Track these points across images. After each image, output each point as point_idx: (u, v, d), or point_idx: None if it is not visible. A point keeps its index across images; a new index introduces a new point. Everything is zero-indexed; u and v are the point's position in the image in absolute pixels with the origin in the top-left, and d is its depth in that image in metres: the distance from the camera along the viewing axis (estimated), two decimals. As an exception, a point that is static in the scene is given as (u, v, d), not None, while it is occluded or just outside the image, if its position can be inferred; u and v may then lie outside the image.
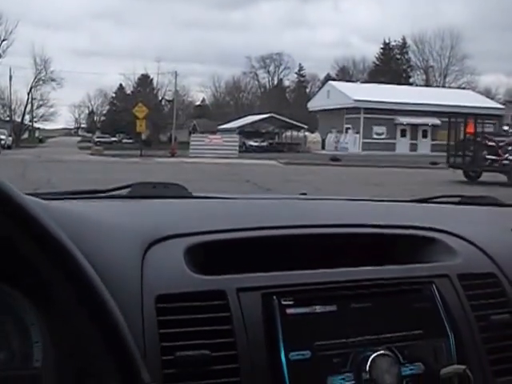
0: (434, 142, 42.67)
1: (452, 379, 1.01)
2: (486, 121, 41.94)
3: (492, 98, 53.17)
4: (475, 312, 1.10)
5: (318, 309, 1.00)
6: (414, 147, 42.66)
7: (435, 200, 1.69)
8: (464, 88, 58.00)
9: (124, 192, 1.50)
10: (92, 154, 35.48)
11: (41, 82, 62.17)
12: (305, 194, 1.85)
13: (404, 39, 69.18)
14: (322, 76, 73.63)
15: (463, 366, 1.00)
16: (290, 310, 0.98)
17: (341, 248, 1.19)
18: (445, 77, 65.71)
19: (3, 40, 58.65)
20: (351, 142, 42.04)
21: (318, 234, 1.21)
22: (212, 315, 0.94)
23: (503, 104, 49.98)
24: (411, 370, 1.00)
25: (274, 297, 0.98)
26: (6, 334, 0.88)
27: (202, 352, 0.89)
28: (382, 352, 0.97)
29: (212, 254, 1.08)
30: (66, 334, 0.75)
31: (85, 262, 0.70)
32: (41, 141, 68.11)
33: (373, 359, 0.96)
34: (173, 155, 32.16)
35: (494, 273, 1.18)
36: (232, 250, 1.11)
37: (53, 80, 61.88)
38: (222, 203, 1.48)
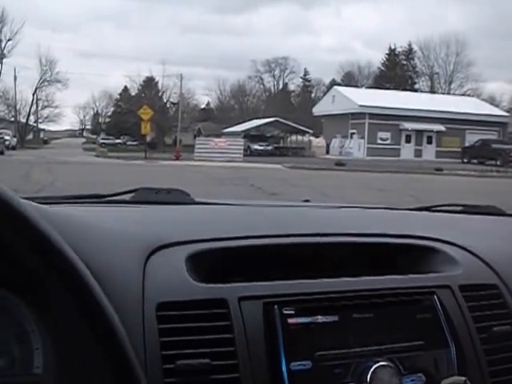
0: (438, 149, 42.68)
1: None
2: (490, 128, 42.22)
3: (496, 106, 53.10)
4: (477, 323, 1.09)
5: (320, 319, 0.99)
6: (418, 153, 42.60)
7: (437, 208, 1.68)
8: (469, 95, 57.97)
9: (127, 197, 1.50)
10: (97, 156, 35.54)
11: (46, 83, 62.47)
12: (308, 200, 1.86)
13: (410, 45, 69.26)
14: (327, 81, 73.79)
15: (464, 378, 0.99)
16: (291, 320, 0.97)
17: (342, 257, 1.19)
18: (450, 83, 65.75)
19: (8, 40, 59.01)
20: (356, 147, 42.01)
21: (320, 243, 1.20)
22: (213, 324, 0.93)
23: (507, 111, 49.91)
24: (412, 380, 1.00)
25: (276, 306, 0.98)
26: (5, 340, 0.88)
27: (202, 361, 0.89)
28: (383, 363, 0.97)
29: (213, 262, 1.08)
30: (66, 342, 0.75)
31: (84, 269, 0.69)
32: (45, 142, 68.37)
33: (374, 370, 0.96)
34: (177, 158, 32.16)
35: (496, 284, 1.18)
36: (233, 258, 1.11)
37: (58, 81, 62.15)
38: (223, 210, 1.47)
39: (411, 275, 1.14)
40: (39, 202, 1.17)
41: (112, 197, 1.50)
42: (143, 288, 0.93)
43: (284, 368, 0.93)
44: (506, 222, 1.67)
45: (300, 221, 1.36)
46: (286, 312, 0.98)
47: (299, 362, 0.95)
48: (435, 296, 1.09)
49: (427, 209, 1.67)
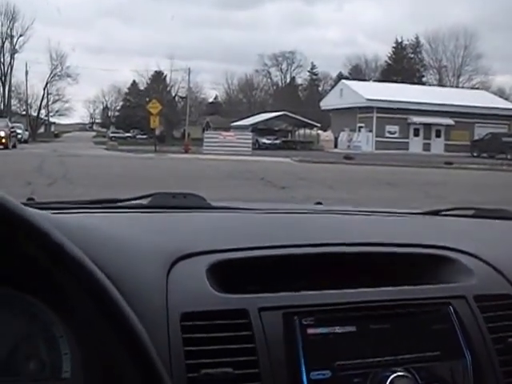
0: (447, 142, 42.54)
1: None
2: (500, 121, 42.02)
3: (506, 99, 52.83)
4: (492, 334, 1.11)
5: (338, 329, 1.02)
6: (427, 147, 42.43)
7: (448, 213, 1.68)
8: (477, 88, 57.67)
9: (144, 201, 1.51)
10: (107, 149, 35.57)
11: (56, 78, 62.70)
12: (320, 203, 1.90)
13: (417, 38, 68.92)
14: (334, 74, 73.58)
15: None
16: (310, 330, 1.00)
17: (358, 267, 1.21)
18: (458, 77, 65.38)
19: (20, 36, 59.37)
20: (364, 141, 41.89)
21: (337, 253, 1.23)
22: (235, 334, 0.96)
23: (517, 104, 49.67)
24: None
25: (295, 317, 1.00)
26: (35, 345, 0.91)
27: (225, 370, 0.92)
28: (400, 373, 0.99)
29: (234, 272, 1.10)
30: (93, 348, 0.78)
31: (104, 278, 0.72)
32: (56, 135, 68.53)
33: (391, 380, 0.98)
34: (186, 151, 32.22)
35: (510, 294, 1.19)
36: (253, 267, 1.13)
37: (68, 76, 62.37)
38: (241, 217, 1.49)
39: (427, 286, 1.15)
40: (56, 208, 1.24)
41: (127, 201, 1.50)
42: (167, 298, 0.96)
43: (304, 377, 0.96)
44: None
45: (317, 229, 1.38)
46: (305, 322, 1.00)
47: (319, 372, 0.97)
48: (451, 307, 1.11)
49: (437, 212, 1.67)
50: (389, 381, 0.98)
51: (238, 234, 1.29)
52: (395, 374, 0.99)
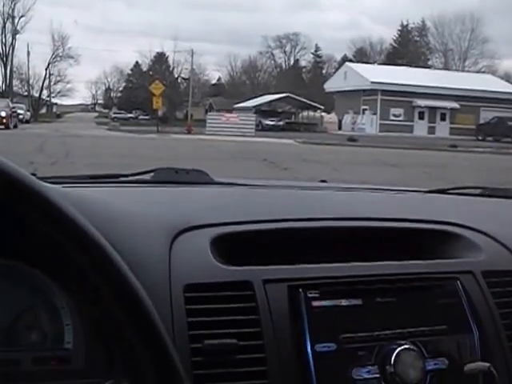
0: (452, 126, 42.37)
1: (476, 376, 1.01)
2: (506, 105, 41.77)
3: (512, 83, 52.47)
4: (500, 309, 1.09)
5: (344, 302, 1.01)
6: (431, 130, 42.31)
7: (455, 191, 1.66)
8: (484, 72, 57.30)
9: (147, 177, 1.50)
10: (109, 130, 35.59)
11: (58, 58, 62.45)
12: (325, 181, 1.86)
13: (423, 21, 68.41)
14: (338, 57, 73.13)
15: (488, 364, 1.00)
16: (315, 303, 0.99)
17: (365, 241, 1.19)
18: (464, 60, 64.94)
19: (21, 16, 58.99)
20: (368, 123, 41.78)
21: (343, 227, 1.21)
22: (239, 305, 0.95)
23: (523, 89, 49.30)
24: (435, 364, 1.00)
25: (300, 289, 0.99)
26: (37, 316, 0.91)
27: (229, 341, 0.91)
28: (406, 346, 0.98)
29: (238, 245, 1.08)
30: (95, 318, 0.77)
31: (110, 248, 0.70)
32: (58, 116, 68.48)
33: (397, 353, 0.97)
34: (189, 132, 32.18)
35: None
36: (257, 241, 1.11)
37: (70, 57, 62.14)
38: (245, 191, 1.47)
39: (434, 261, 1.14)
40: (60, 183, 1.19)
41: (131, 177, 1.49)
42: (170, 270, 0.95)
43: (309, 349, 0.95)
44: None
45: (321, 204, 1.36)
46: (310, 295, 0.99)
47: (324, 344, 0.96)
48: (458, 282, 1.10)
49: (444, 191, 1.66)
50: (395, 354, 0.97)
51: (242, 207, 1.27)
52: (401, 347, 0.98)
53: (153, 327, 0.69)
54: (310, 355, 0.95)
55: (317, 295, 0.99)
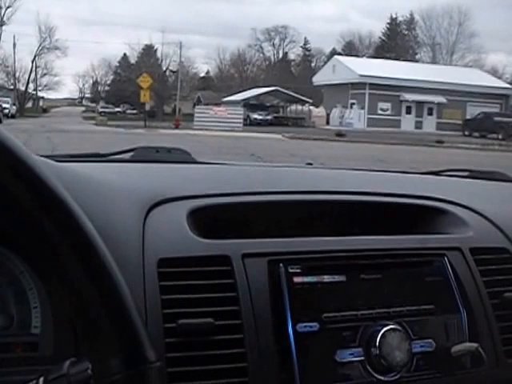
0: (439, 120, 42.45)
1: (464, 357, 0.98)
2: (493, 100, 41.94)
3: (499, 78, 52.67)
4: (488, 288, 1.06)
5: (327, 278, 0.96)
6: (419, 125, 42.33)
7: (444, 173, 1.67)
8: (471, 66, 57.46)
9: (127, 156, 1.48)
10: (97, 125, 35.32)
11: (45, 50, 61.93)
12: (311, 164, 1.83)
13: (411, 15, 68.48)
14: (327, 50, 73.06)
15: (476, 344, 0.97)
16: (297, 279, 0.94)
17: (350, 216, 1.16)
18: (452, 54, 65.08)
19: (8, 7, 58.36)
20: (356, 118, 41.74)
21: (327, 201, 1.17)
22: (216, 281, 0.90)
23: (510, 83, 49.54)
24: (422, 346, 0.97)
25: (281, 264, 0.94)
26: (2, 297, 0.85)
27: (205, 320, 0.86)
28: (392, 327, 0.94)
29: (216, 219, 1.04)
30: (65, 299, 0.71)
31: (88, 222, 0.66)
32: (45, 110, 67.84)
33: (383, 334, 0.93)
34: (177, 127, 32.01)
35: (507, 248, 1.14)
36: (237, 214, 1.07)
37: (57, 48, 61.67)
38: (226, 168, 1.44)
39: (421, 236, 1.10)
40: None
41: (112, 155, 1.48)
42: (143, 243, 0.90)
43: (290, 329, 0.90)
44: None
45: (305, 179, 1.32)
46: (291, 270, 0.94)
47: (306, 324, 0.91)
48: (445, 258, 1.06)
49: (434, 173, 1.66)
50: (380, 335, 0.92)
51: (221, 181, 1.22)
52: (387, 328, 0.93)
53: (120, 300, 0.65)
54: (292, 336, 0.90)
55: (298, 270, 0.95)
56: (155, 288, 0.86)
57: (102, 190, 0.96)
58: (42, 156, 1.30)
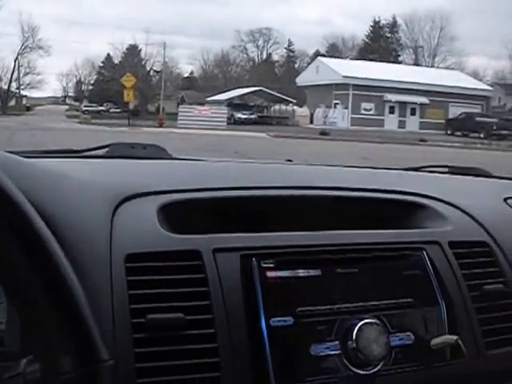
0: (422, 120, 42.76)
1: (443, 350, 0.97)
2: (474, 102, 42.40)
3: (480, 80, 53.19)
4: (467, 281, 1.06)
5: (301, 273, 0.95)
6: (402, 124, 42.54)
7: (425, 169, 1.67)
8: (452, 69, 57.97)
9: (101, 152, 1.46)
10: (80, 123, 35.08)
11: (28, 50, 61.28)
12: (290, 160, 1.82)
13: (394, 18, 68.89)
14: (311, 52, 73.28)
15: (455, 337, 0.96)
16: (270, 273, 0.93)
17: (327, 211, 1.14)
18: (434, 57, 65.54)
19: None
20: (340, 117, 41.85)
21: (301, 196, 1.15)
22: (186, 276, 0.88)
23: (491, 86, 50.11)
24: (400, 339, 0.96)
25: (254, 259, 0.93)
26: None
27: (175, 315, 0.84)
28: (369, 320, 0.93)
29: (188, 214, 1.02)
30: (23, 299, 0.69)
31: (35, 216, 0.65)
32: (28, 109, 67.03)
33: (360, 327, 0.91)
34: (160, 125, 31.91)
35: (486, 241, 1.14)
36: (210, 210, 1.05)
37: (40, 48, 61.05)
38: (201, 164, 1.41)
39: (398, 230, 1.10)
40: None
41: (86, 152, 1.46)
42: (111, 238, 0.88)
43: (263, 324, 0.89)
44: (492, 183, 1.65)
45: (281, 175, 1.30)
46: (264, 265, 0.93)
47: (279, 318, 0.90)
48: (424, 252, 1.05)
49: (414, 169, 1.67)
50: (357, 329, 0.91)
51: (193, 176, 1.20)
52: (364, 321, 0.92)
53: (71, 300, 0.64)
54: (265, 330, 0.88)
55: (272, 265, 0.93)
56: (123, 283, 0.84)
57: (71, 185, 0.94)
58: (10, 152, 1.31)
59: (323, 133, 28.33)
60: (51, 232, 0.66)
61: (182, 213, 1.02)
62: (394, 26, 69.10)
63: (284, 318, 0.90)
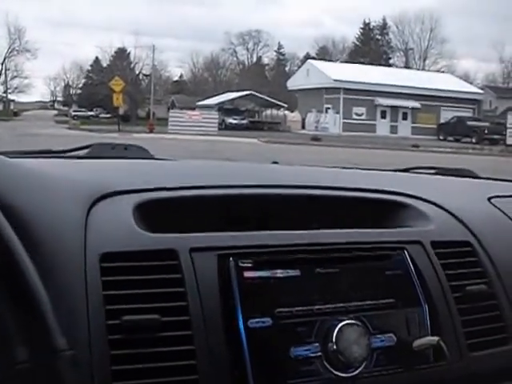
0: (414, 125, 42.82)
1: (425, 351, 0.95)
2: (465, 105, 42.46)
3: (471, 83, 53.36)
4: (450, 282, 1.03)
5: (280, 273, 0.92)
6: (394, 129, 42.65)
7: (413, 171, 1.68)
8: (443, 71, 58.15)
9: (82, 153, 1.46)
10: (69, 129, 35.01)
11: (15, 52, 60.94)
12: (276, 163, 1.79)
13: (384, 20, 69.08)
14: (301, 55, 73.35)
15: (437, 338, 0.93)
16: (248, 273, 0.90)
17: (306, 210, 1.11)
18: (424, 60, 65.88)
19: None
20: (331, 122, 41.88)
21: (282, 195, 1.12)
22: (162, 276, 0.86)
23: (482, 89, 50.21)
24: (382, 341, 0.93)
25: (231, 258, 0.90)
26: None
27: (150, 316, 0.81)
28: (349, 321, 0.90)
29: (164, 213, 0.99)
30: None
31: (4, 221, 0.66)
32: (15, 114, 66.61)
33: (340, 329, 0.88)
34: (151, 131, 31.76)
35: (469, 241, 1.11)
36: (187, 209, 1.02)
37: (27, 50, 60.73)
38: (182, 164, 1.41)
39: (379, 229, 1.07)
40: None
41: (67, 152, 1.45)
42: (85, 237, 0.85)
43: (241, 325, 0.86)
44: (479, 184, 1.64)
45: (262, 174, 1.27)
46: (242, 265, 0.90)
47: (258, 319, 0.87)
48: (405, 252, 1.03)
49: (402, 171, 1.67)
50: (337, 330, 0.89)
51: (172, 175, 1.17)
52: (344, 323, 0.90)
53: (33, 305, 0.64)
54: (243, 331, 0.85)
55: (249, 265, 0.90)
56: (97, 283, 0.82)
57: (48, 184, 0.92)
58: None
59: (315, 138, 28.38)
60: (20, 231, 0.66)
61: (159, 212, 0.99)
62: (384, 27, 69.38)
63: (262, 319, 0.88)
